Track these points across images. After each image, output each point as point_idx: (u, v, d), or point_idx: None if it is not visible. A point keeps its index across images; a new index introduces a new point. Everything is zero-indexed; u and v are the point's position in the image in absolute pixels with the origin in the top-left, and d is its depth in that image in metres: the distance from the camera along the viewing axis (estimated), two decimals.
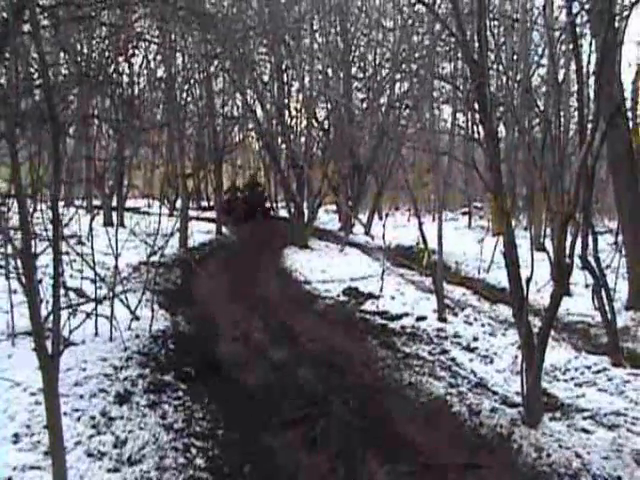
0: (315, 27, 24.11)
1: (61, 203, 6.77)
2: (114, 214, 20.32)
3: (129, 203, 25.65)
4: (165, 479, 5.05)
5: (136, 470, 5.13)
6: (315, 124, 26.16)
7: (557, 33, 12.83)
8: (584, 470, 5.48)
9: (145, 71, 26.00)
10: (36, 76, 9.38)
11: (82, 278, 9.72)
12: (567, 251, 6.48)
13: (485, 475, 5.45)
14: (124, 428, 5.89)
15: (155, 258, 10.64)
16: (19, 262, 4.63)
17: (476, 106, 7.42)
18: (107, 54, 16.75)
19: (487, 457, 5.81)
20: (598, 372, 8.30)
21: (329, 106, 26.13)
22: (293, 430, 6.27)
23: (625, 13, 11.82)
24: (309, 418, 6.49)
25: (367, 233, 26.07)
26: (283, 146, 25.02)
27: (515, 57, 21.37)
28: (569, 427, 6.41)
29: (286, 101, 25.25)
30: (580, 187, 6.46)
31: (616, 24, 11.01)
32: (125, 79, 19.55)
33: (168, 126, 20.97)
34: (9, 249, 7.68)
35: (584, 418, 6.68)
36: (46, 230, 6.98)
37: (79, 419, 5.85)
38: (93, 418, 5.95)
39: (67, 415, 5.62)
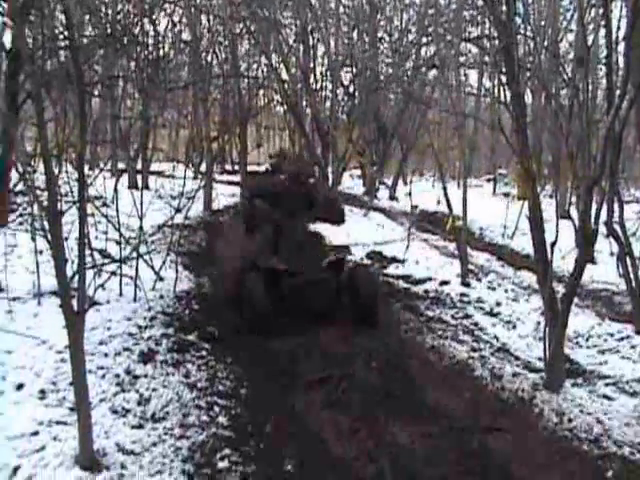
0: None
1: (86, 166, 6.73)
2: (139, 177, 20.37)
3: (153, 167, 25.59)
4: (189, 436, 5.12)
5: (159, 427, 5.20)
6: (340, 87, 25.97)
7: None
8: (605, 436, 5.48)
9: (170, 33, 25.87)
10: (61, 37, 9.38)
11: (107, 240, 9.78)
12: (592, 218, 6.43)
13: (506, 438, 5.47)
14: (148, 386, 5.96)
15: (179, 220, 10.66)
16: (45, 222, 4.68)
17: (503, 68, 7.33)
18: (132, 16, 16.66)
19: (508, 421, 5.82)
20: (621, 339, 8.26)
21: (354, 70, 25.90)
22: (315, 391, 6.32)
23: None
24: (331, 379, 6.53)
25: (392, 198, 25.95)
26: (308, 110, 24.87)
27: (543, 22, 21.03)
28: (591, 393, 6.41)
29: (311, 64, 25.06)
30: (607, 153, 6.36)
31: None
32: (150, 41, 19.46)
33: (194, 84, 20.89)
34: (35, 210, 7.75)
35: (606, 385, 6.68)
36: (71, 191, 7.03)
37: (104, 377, 5.93)
38: (117, 376, 6.02)
39: (92, 373, 5.68)
